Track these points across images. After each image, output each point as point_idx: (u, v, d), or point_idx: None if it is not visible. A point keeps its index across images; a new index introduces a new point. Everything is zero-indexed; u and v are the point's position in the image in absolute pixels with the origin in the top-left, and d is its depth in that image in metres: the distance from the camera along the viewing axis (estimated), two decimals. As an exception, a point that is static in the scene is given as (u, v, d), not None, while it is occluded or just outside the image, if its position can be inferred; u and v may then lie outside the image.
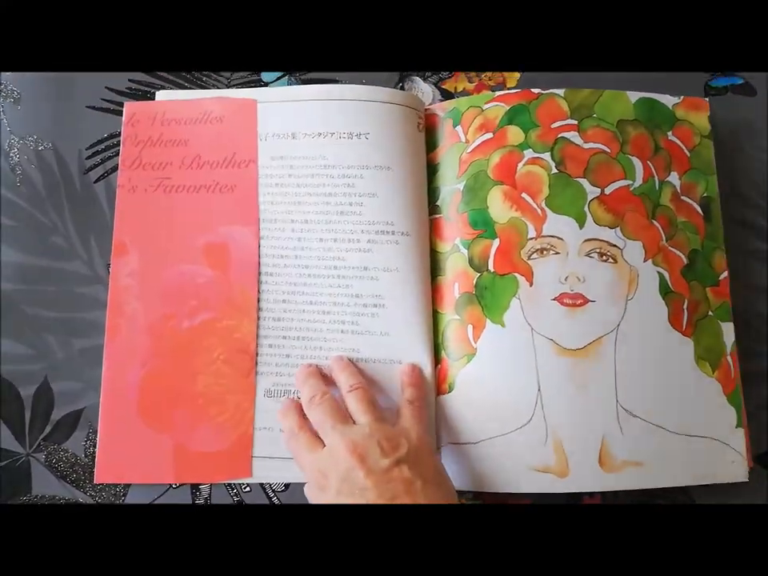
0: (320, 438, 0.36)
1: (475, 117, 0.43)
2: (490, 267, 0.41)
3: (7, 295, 0.43)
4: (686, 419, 0.39)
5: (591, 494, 0.40)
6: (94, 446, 0.41)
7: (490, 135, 0.42)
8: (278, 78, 0.48)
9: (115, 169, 0.45)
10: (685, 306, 0.40)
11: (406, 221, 0.41)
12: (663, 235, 0.41)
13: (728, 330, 0.41)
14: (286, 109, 0.44)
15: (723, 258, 0.42)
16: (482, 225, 0.41)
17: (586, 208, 0.41)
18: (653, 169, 0.42)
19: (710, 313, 0.41)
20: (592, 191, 0.41)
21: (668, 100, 0.43)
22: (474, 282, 0.41)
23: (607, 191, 0.41)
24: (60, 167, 0.45)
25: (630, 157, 0.42)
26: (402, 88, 0.47)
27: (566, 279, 0.40)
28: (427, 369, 0.40)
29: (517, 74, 0.47)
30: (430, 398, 0.40)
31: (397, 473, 0.33)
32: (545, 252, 0.40)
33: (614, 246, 0.40)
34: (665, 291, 0.40)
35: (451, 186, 0.43)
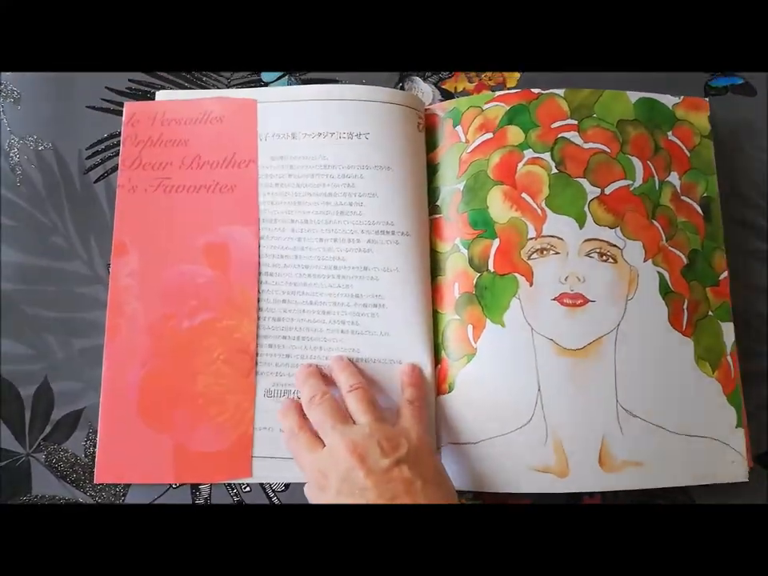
0: (320, 438, 0.36)
1: (475, 117, 0.43)
2: (490, 267, 0.41)
3: (7, 295, 0.43)
4: (686, 419, 0.39)
5: (591, 494, 0.40)
6: (94, 446, 0.41)
7: (490, 135, 0.42)
8: (278, 78, 0.48)
9: (115, 169, 0.45)
10: (685, 306, 0.40)
11: (406, 221, 0.41)
12: (663, 235, 0.41)
13: (728, 330, 0.41)
14: (286, 109, 0.44)
15: (723, 258, 0.42)
16: (482, 225, 0.41)
17: (585, 208, 0.41)
18: (653, 169, 0.42)
19: (710, 313, 0.41)
20: (592, 191, 0.41)
21: (668, 100, 0.43)
22: (474, 281, 0.41)
23: (607, 191, 0.41)
24: (60, 167, 0.45)
25: (630, 157, 0.42)
26: (402, 88, 0.47)
27: (566, 279, 0.40)
28: (427, 369, 0.40)
29: (517, 74, 0.47)
30: (430, 398, 0.40)
31: (397, 473, 0.33)
32: (545, 252, 0.40)
33: (614, 246, 0.40)
34: (665, 291, 0.40)
35: (451, 185, 0.43)
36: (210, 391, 0.40)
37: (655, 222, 0.41)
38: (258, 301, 0.41)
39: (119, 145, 0.44)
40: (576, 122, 0.42)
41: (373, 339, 0.40)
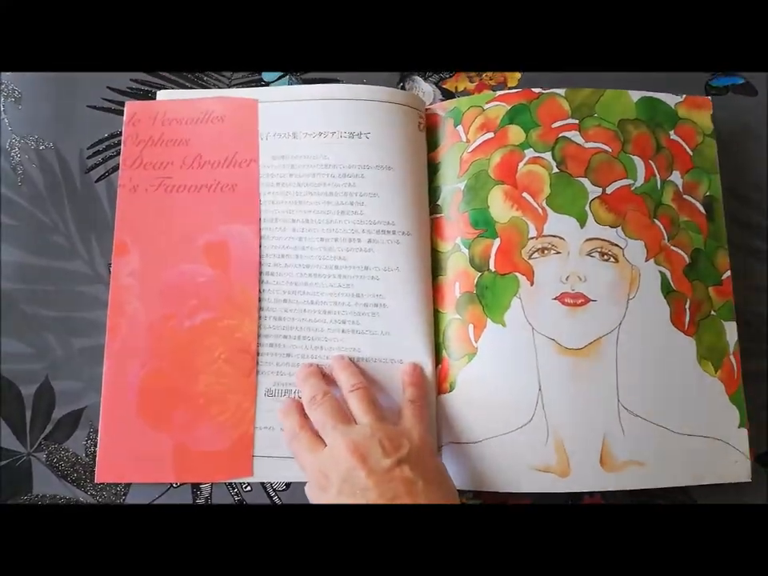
0: (321, 437, 0.36)
1: (476, 116, 0.43)
2: (491, 267, 0.40)
3: (8, 294, 0.43)
4: (688, 419, 0.39)
5: (592, 494, 0.40)
6: (95, 446, 0.41)
7: (490, 135, 0.42)
8: (279, 78, 0.48)
9: (116, 168, 0.45)
10: (687, 306, 0.40)
11: (406, 220, 0.41)
12: (665, 234, 0.41)
13: (731, 330, 0.40)
14: (286, 108, 0.44)
15: (726, 258, 0.42)
16: (483, 224, 0.41)
17: (587, 207, 0.41)
18: (654, 168, 0.42)
19: (713, 312, 0.41)
20: (593, 190, 0.41)
21: (670, 99, 0.43)
22: (475, 281, 0.40)
23: (608, 190, 0.41)
24: (61, 167, 0.45)
25: (632, 156, 0.42)
26: (403, 88, 0.47)
27: (567, 279, 0.40)
28: (428, 368, 0.40)
29: (518, 74, 0.47)
30: (431, 398, 0.40)
31: (398, 473, 0.33)
32: (546, 251, 0.40)
33: (616, 245, 0.40)
34: (667, 290, 0.40)
35: (452, 185, 0.43)
36: (210, 390, 0.40)
37: (657, 222, 0.41)
38: (259, 300, 0.41)
39: (120, 144, 0.44)
40: (577, 122, 0.42)
41: (374, 339, 0.40)
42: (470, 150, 0.43)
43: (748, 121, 0.46)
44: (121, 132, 0.44)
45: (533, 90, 0.43)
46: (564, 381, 0.39)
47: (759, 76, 0.47)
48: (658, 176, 0.42)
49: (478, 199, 0.42)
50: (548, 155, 0.42)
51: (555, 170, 0.41)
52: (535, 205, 0.41)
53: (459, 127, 0.43)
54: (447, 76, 0.48)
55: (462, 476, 0.39)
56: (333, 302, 0.41)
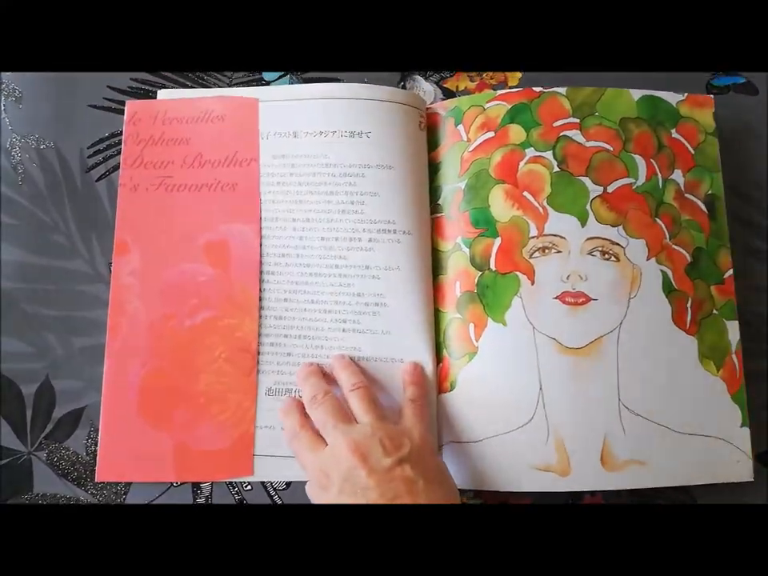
0: (322, 437, 0.36)
1: (477, 116, 0.43)
2: (492, 266, 0.40)
3: (8, 293, 0.43)
4: (690, 418, 0.39)
5: (592, 493, 0.40)
6: (95, 445, 0.41)
7: (491, 134, 0.42)
8: (280, 77, 0.48)
9: (117, 167, 0.45)
10: (689, 305, 0.40)
11: (407, 220, 0.41)
12: (666, 233, 0.41)
13: (733, 329, 0.40)
14: (287, 107, 0.44)
15: (728, 256, 0.41)
16: (484, 223, 0.41)
17: (588, 206, 0.41)
18: (656, 167, 0.42)
19: (715, 311, 0.40)
20: (594, 189, 0.41)
21: (672, 97, 0.43)
22: (476, 280, 0.40)
23: (609, 189, 0.41)
24: (62, 166, 0.45)
25: (633, 155, 0.42)
26: (404, 87, 0.47)
27: (567, 278, 0.40)
28: (429, 367, 0.40)
29: (518, 74, 0.47)
30: (432, 397, 0.40)
31: (399, 472, 0.33)
32: (547, 251, 0.40)
33: (617, 244, 0.40)
34: (668, 289, 0.40)
35: (453, 184, 0.43)
36: (211, 390, 0.40)
37: (658, 220, 0.41)
38: (260, 299, 0.41)
39: (121, 144, 0.44)
40: (578, 121, 0.42)
41: (374, 338, 0.40)
42: (470, 149, 0.43)
43: (749, 120, 0.46)
44: (121, 131, 0.44)
45: (534, 89, 0.43)
46: (565, 380, 0.39)
47: (761, 75, 0.47)
48: (659, 175, 0.42)
49: (479, 198, 0.41)
50: (549, 154, 0.41)
51: (556, 169, 0.41)
52: (536, 204, 0.41)
53: (460, 126, 0.43)
54: (448, 75, 0.48)
55: (462, 475, 0.38)
56: (333, 301, 0.41)
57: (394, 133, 0.42)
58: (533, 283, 0.40)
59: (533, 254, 0.40)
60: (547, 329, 0.39)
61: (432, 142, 0.44)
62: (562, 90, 0.43)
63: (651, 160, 0.42)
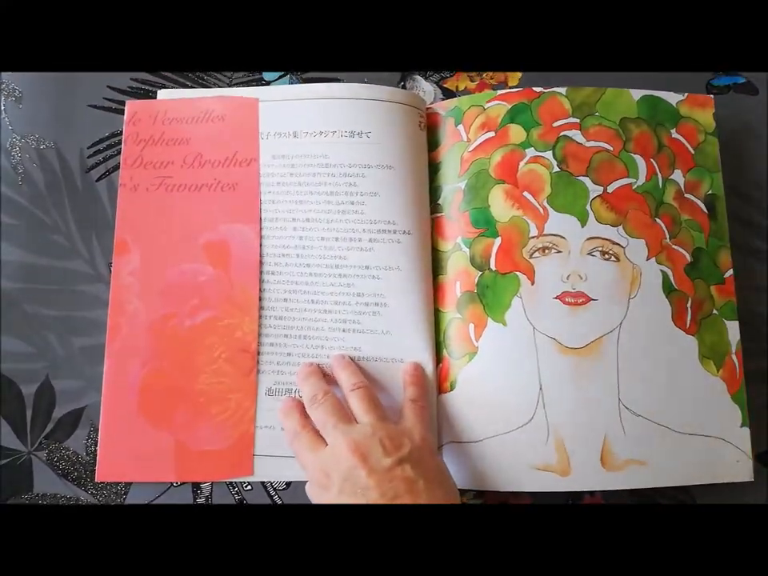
0: (322, 437, 0.36)
1: (477, 116, 0.43)
2: (492, 266, 0.40)
3: (8, 293, 0.43)
4: (690, 418, 0.39)
5: (592, 493, 0.40)
6: (95, 445, 0.41)
7: (491, 134, 0.42)
8: (280, 77, 0.48)
9: (117, 167, 0.45)
10: (689, 305, 0.40)
11: (407, 220, 0.41)
12: (667, 233, 0.41)
13: (733, 329, 0.40)
14: (287, 107, 0.44)
15: (728, 256, 0.41)
16: (484, 223, 0.41)
17: (588, 206, 0.41)
18: (656, 167, 0.42)
19: (715, 311, 0.40)
20: (594, 189, 0.41)
21: (672, 97, 0.43)
22: (476, 280, 0.40)
23: (609, 189, 0.41)
24: (61, 166, 0.45)
25: (633, 155, 0.42)
26: (404, 87, 0.47)
27: (567, 278, 0.40)
28: (429, 367, 0.40)
29: (518, 74, 0.47)
30: (432, 397, 0.40)
31: (399, 472, 0.33)
32: (547, 250, 0.40)
33: (617, 244, 0.40)
34: (668, 289, 0.40)
35: (453, 184, 0.43)
36: (211, 390, 0.40)
37: (658, 220, 0.41)
38: (260, 299, 0.41)
39: (121, 144, 0.44)
40: (578, 121, 0.42)
41: (374, 338, 0.40)
42: (470, 149, 0.43)
43: (749, 120, 0.46)
44: (121, 131, 0.44)
45: (534, 89, 0.43)
46: (565, 380, 0.39)
47: (761, 75, 0.47)
48: (659, 175, 0.42)
49: (479, 198, 0.41)
50: (549, 154, 0.41)
51: (556, 168, 0.41)
52: (536, 204, 0.41)
53: (460, 126, 0.43)
54: (448, 75, 0.48)
55: (462, 475, 0.38)
56: (333, 302, 0.41)
57: (394, 133, 0.42)
58: (533, 283, 0.40)
59: (533, 253, 0.40)
60: (547, 329, 0.39)
61: (432, 142, 0.44)
62: (562, 89, 0.43)
63: (651, 160, 0.42)
